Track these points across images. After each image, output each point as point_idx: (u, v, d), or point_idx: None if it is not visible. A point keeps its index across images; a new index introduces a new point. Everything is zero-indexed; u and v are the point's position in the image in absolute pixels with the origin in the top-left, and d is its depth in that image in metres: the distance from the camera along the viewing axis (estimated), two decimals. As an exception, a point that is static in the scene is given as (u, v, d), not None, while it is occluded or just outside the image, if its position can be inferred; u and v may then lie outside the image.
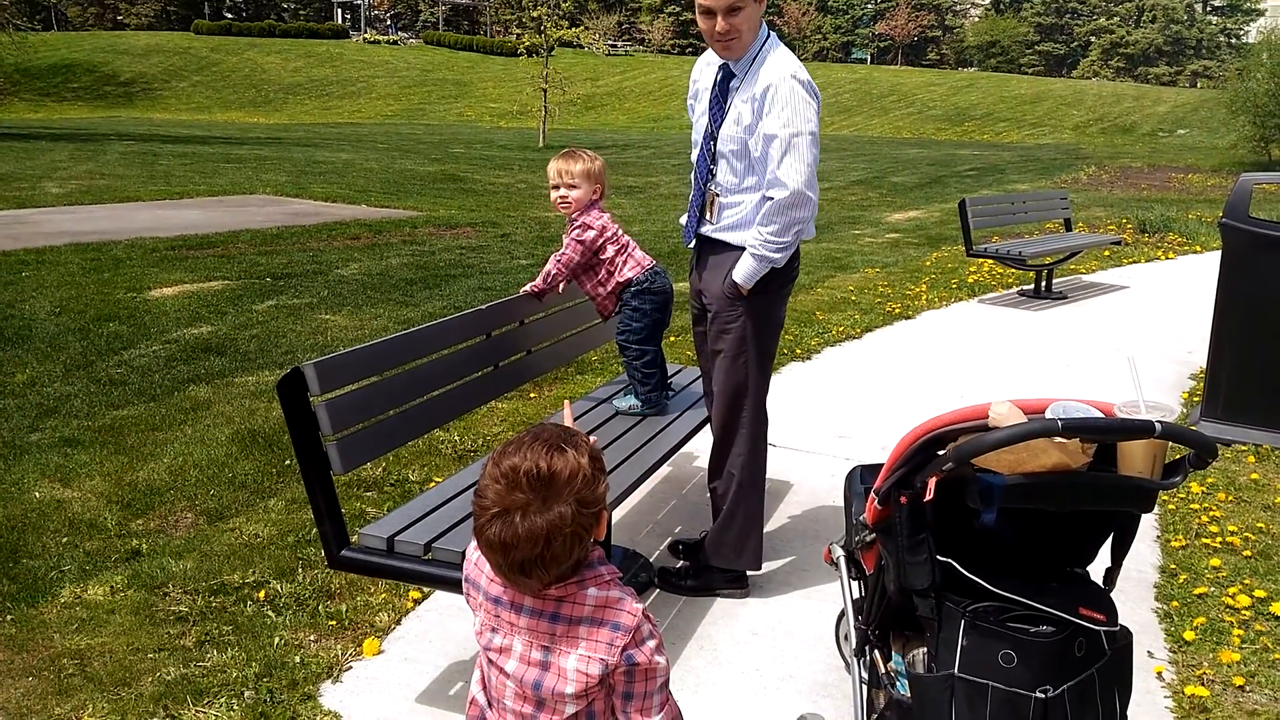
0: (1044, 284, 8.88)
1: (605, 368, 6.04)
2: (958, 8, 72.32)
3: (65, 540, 3.64)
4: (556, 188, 3.56)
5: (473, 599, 1.67)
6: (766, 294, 3.21)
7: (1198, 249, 11.69)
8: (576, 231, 3.56)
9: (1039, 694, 1.95)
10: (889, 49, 68.71)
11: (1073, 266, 10.15)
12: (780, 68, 3.04)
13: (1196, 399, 5.71)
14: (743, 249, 3.15)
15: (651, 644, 1.56)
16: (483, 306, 3.43)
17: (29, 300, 7.31)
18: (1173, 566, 3.69)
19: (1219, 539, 3.91)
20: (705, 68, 3.29)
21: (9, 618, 3.12)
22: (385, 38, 64.08)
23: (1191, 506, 4.23)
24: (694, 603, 3.38)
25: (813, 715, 2.72)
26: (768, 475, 4.51)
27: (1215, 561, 3.72)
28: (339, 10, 74.27)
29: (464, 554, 1.73)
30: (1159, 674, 3.00)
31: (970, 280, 9.36)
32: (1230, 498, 4.34)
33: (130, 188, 14.55)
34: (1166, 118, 40.65)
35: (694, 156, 3.32)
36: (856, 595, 2.56)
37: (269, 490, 4.16)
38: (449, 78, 52.92)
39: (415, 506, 2.89)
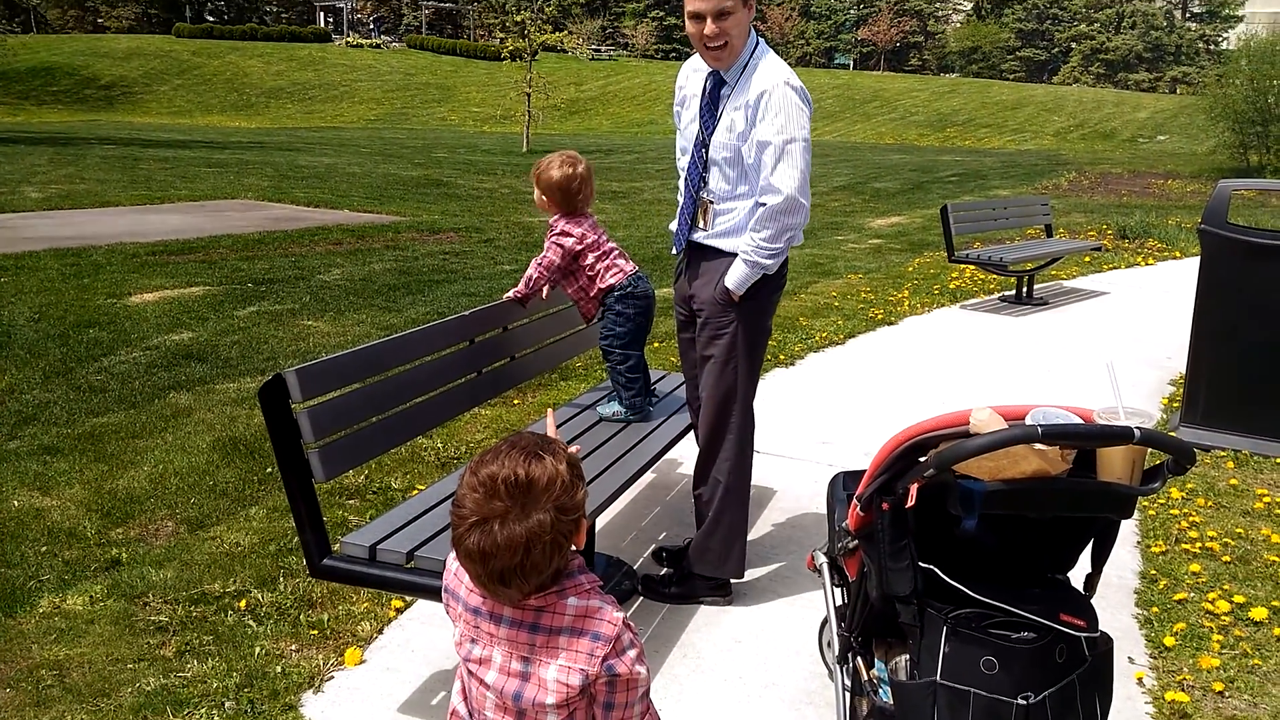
0: (1025, 290, 8.93)
1: (589, 374, 6.04)
2: (939, 13, 72.68)
3: (44, 549, 3.61)
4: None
5: (452, 609, 1.67)
6: (757, 300, 3.22)
7: (1177, 255, 11.79)
8: (556, 237, 3.57)
9: (1020, 700, 1.96)
10: (871, 54, 69.01)
11: (1054, 272, 10.21)
12: (773, 74, 3.05)
13: (1176, 405, 5.76)
14: (735, 255, 3.16)
15: (632, 653, 1.55)
16: (466, 312, 3.42)
17: (7, 306, 7.25)
18: (1153, 572, 3.71)
19: (1198, 544, 3.94)
20: (693, 74, 3.28)
21: (-14, 628, 3.09)
22: (368, 41, 63.87)
23: (1171, 512, 4.26)
24: (677, 610, 3.37)
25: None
26: (752, 480, 4.52)
27: (1195, 567, 3.74)
28: (321, 14, 74.02)
29: (446, 563, 1.73)
30: (1140, 680, 3.02)
31: (952, 286, 9.40)
32: (1209, 503, 4.38)
33: (111, 192, 14.45)
34: (1146, 124, 40.97)
35: (682, 164, 3.32)
36: (839, 602, 2.57)
37: (250, 498, 4.14)
38: (432, 82, 52.80)
39: (397, 514, 2.87)
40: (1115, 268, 10.95)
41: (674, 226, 3.38)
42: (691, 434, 4.14)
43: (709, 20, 2.99)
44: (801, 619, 3.33)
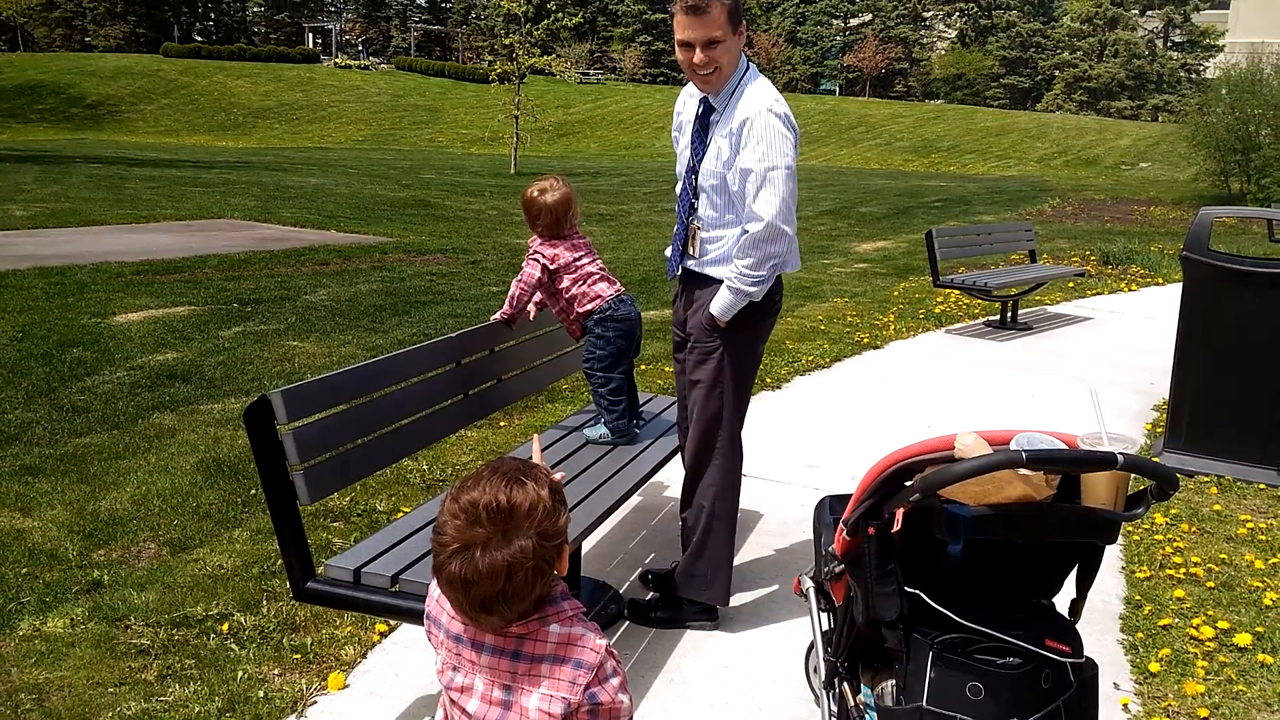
0: (1009, 315, 8.98)
1: (576, 396, 6.03)
2: (924, 41, 73.39)
3: (24, 571, 3.57)
4: None
5: (434, 636, 1.65)
6: (745, 327, 3.22)
7: (1160, 281, 11.88)
8: (531, 255, 3.60)
9: (1006, 727, 1.96)
10: (857, 80, 69.59)
11: (1037, 297, 10.28)
12: (757, 101, 3.05)
13: (1159, 430, 5.79)
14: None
15: (615, 681, 1.54)
16: (453, 334, 3.42)
17: (-10, 325, 7.20)
18: (1137, 598, 3.72)
19: (1183, 570, 3.95)
20: (688, 99, 3.30)
21: (-36, 651, 3.05)
22: (356, 63, 64.04)
23: (1156, 538, 4.28)
24: (663, 635, 3.36)
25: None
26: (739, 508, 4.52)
27: (1179, 593, 3.75)
28: (310, 35, 74.28)
29: (429, 589, 1.72)
30: (1125, 705, 3.02)
31: (937, 310, 9.45)
32: (1194, 529, 4.40)
33: (96, 211, 14.40)
34: (1129, 151, 41.39)
35: (678, 189, 3.35)
36: (826, 627, 2.57)
37: (234, 520, 4.11)
38: (420, 104, 52.94)
39: (382, 537, 2.86)
40: (1099, 293, 11.03)
41: (669, 252, 3.40)
42: (677, 457, 4.14)
43: (698, 49, 3.00)
44: (788, 644, 3.32)
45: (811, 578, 2.61)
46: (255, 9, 77.06)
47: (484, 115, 46.02)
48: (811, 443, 5.49)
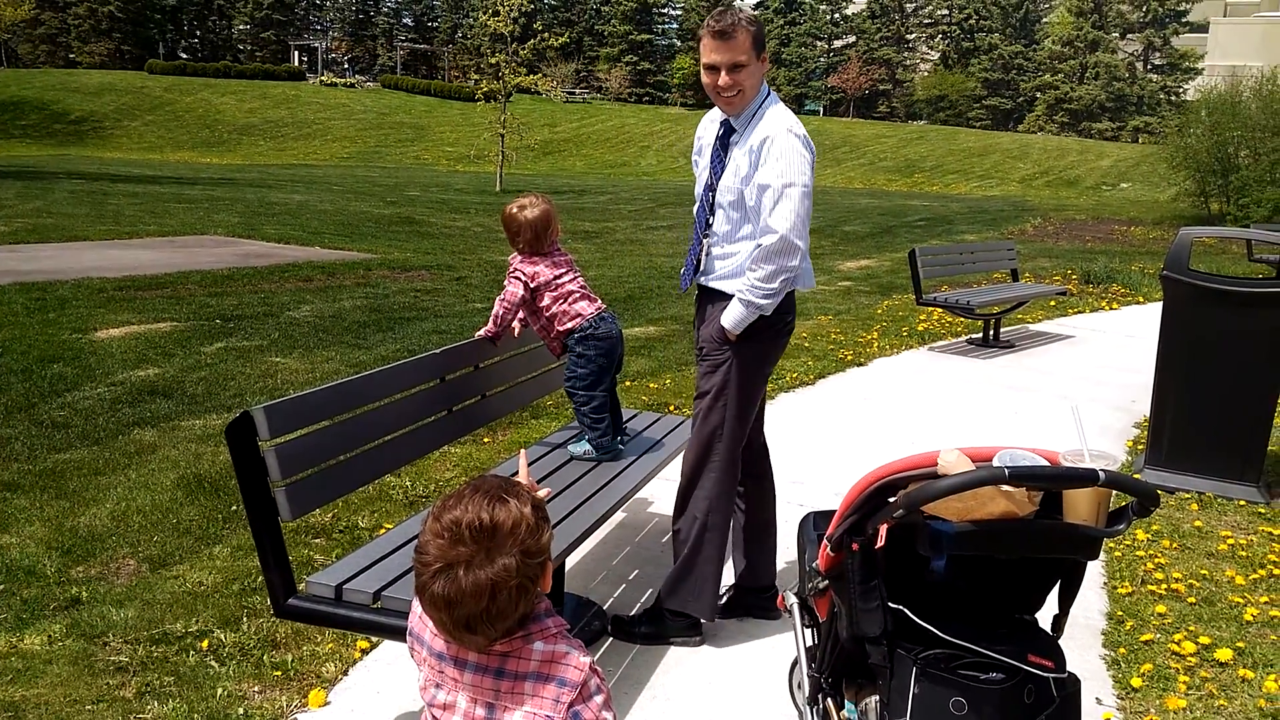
0: (992, 333, 9.03)
1: (560, 412, 6.03)
2: (907, 63, 74.04)
3: (2, 588, 3.53)
4: None
5: (417, 653, 1.64)
6: (754, 343, 3.25)
7: (1140, 300, 11.98)
8: (512, 273, 3.61)
9: (989, 742, 1.96)
10: (841, 101, 70.07)
11: (1020, 316, 10.34)
12: (778, 122, 3.15)
13: (1140, 447, 5.83)
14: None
15: (599, 699, 1.53)
16: (436, 350, 3.42)
17: (-30, 340, 7.15)
18: (1119, 613, 3.74)
19: (1164, 586, 3.97)
20: (709, 124, 3.40)
21: (-61, 669, 3.01)
22: (342, 81, 64.12)
23: (1137, 554, 4.30)
24: (647, 651, 3.35)
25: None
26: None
27: (1161, 608, 3.77)
28: (296, 53, 74.30)
29: (412, 606, 1.71)
30: (1107, 720, 3.03)
31: (920, 328, 9.50)
32: (1175, 545, 4.42)
33: (78, 227, 14.33)
34: (1110, 172, 41.79)
35: (695, 209, 3.40)
36: (810, 643, 2.56)
37: (214, 537, 4.08)
38: (406, 121, 53.00)
39: (364, 554, 2.84)
40: (1080, 312, 11.11)
41: (683, 269, 3.45)
42: (663, 473, 4.14)
43: (723, 72, 3.11)
44: (772, 660, 3.31)
45: (795, 593, 2.61)
46: (241, 27, 77.06)
47: (470, 133, 46.14)
48: (795, 459, 5.49)
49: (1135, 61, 63.99)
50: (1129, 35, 63.96)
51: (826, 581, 2.30)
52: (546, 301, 3.64)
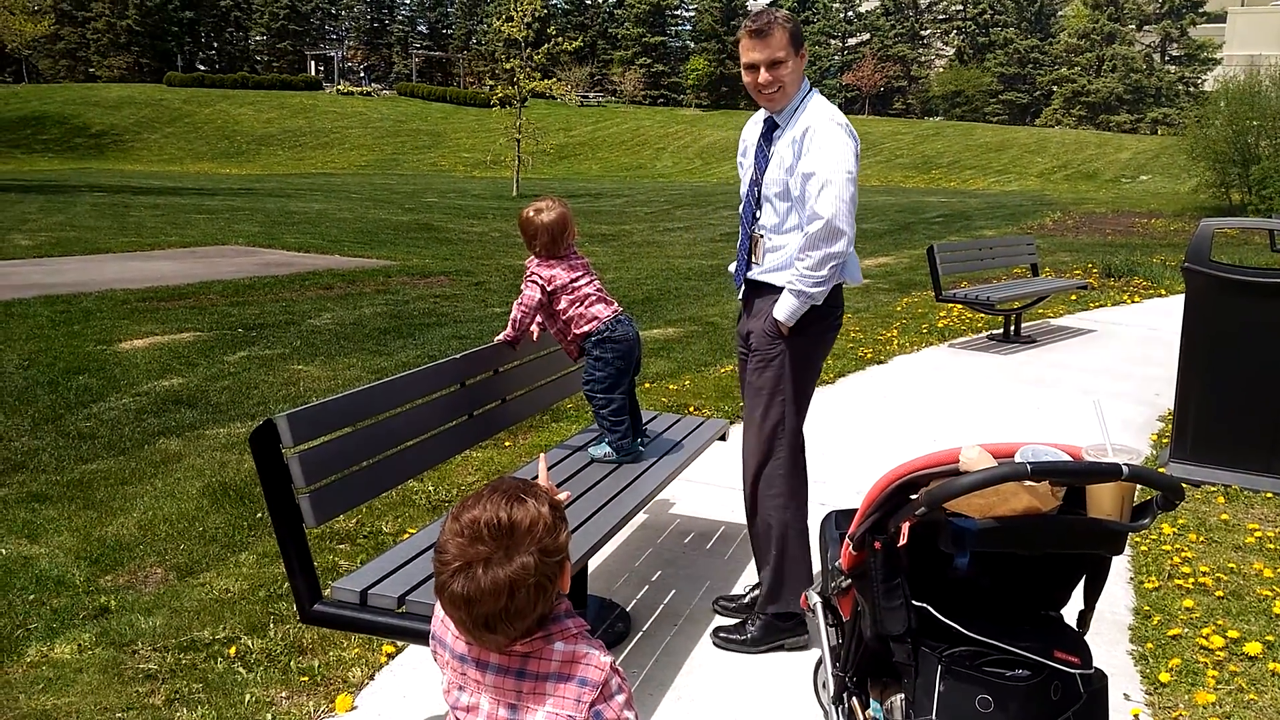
0: (1012, 328, 8.98)
1: (580, 415, 6.04)
2: (922, 59, 73.75)
3: (32, 598, 3.58)
4: None
5: (440, 656, 1.66)
6: (805, 336, 3.27)
7: (1162, 292, 11.89)
8: (529, 276, 3.62)
9: (1016, 739, 1.95)
10: (856, 99, 69.84)
11: (1040, 311, 10.28)
12: (820, 113, 3.19)
13: (1165, 441, 5.78)
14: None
15: (620, 699, 1.54)
16: (457, 355, 3.43)
17: (-4, 353, 7.23)
18: (1146, 608, 3.71)
19: (1191, 580, 3.94)
20: (752, 126, 3.44)
21: (-28, 678, 3.05)
22: (359, 89, 64.48)
23: (1164, 548, 4.27)
24: (670, 653, 3.36)
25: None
26: (743, 520, 4.51)
27: (1188, 602, 3.74)
28: (312, 62, 74.75)
29: (435, 609, 1.72)
30: (1136, 716, 3.01)
31: (940, 325, 9.45)
32: (1201, 539, 4.38)
33: (101, 239, 14.48)
34: (1129, 164, 41.48)
35: (740, 208, 3.42)
36: (833, 642, 2.56)
37: (240, 544, 4.11)
38: (423, 128, 53.24)
39: (388, 559, 2.86)
40: (1101, 305, 11.03)
41: (733, 268, 3.46)
42: (683, 474, 4.15)
43: (763, 69, 3.16)
44: (796, 659, 3.31)
45: (818, 593, 2.61)
46: (258, 38, 77.61)
47: (486, 139, 46.29)
48: (816, 458, 5.47)
49: (1153, 53, 63.48)
50: (1146, 27, 63.46)
51: (849, 580, 2.29)
52: (563, 305, 3.65)
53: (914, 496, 2.03)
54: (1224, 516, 4.65)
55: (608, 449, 3.81)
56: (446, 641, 1.63)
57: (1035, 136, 49.77)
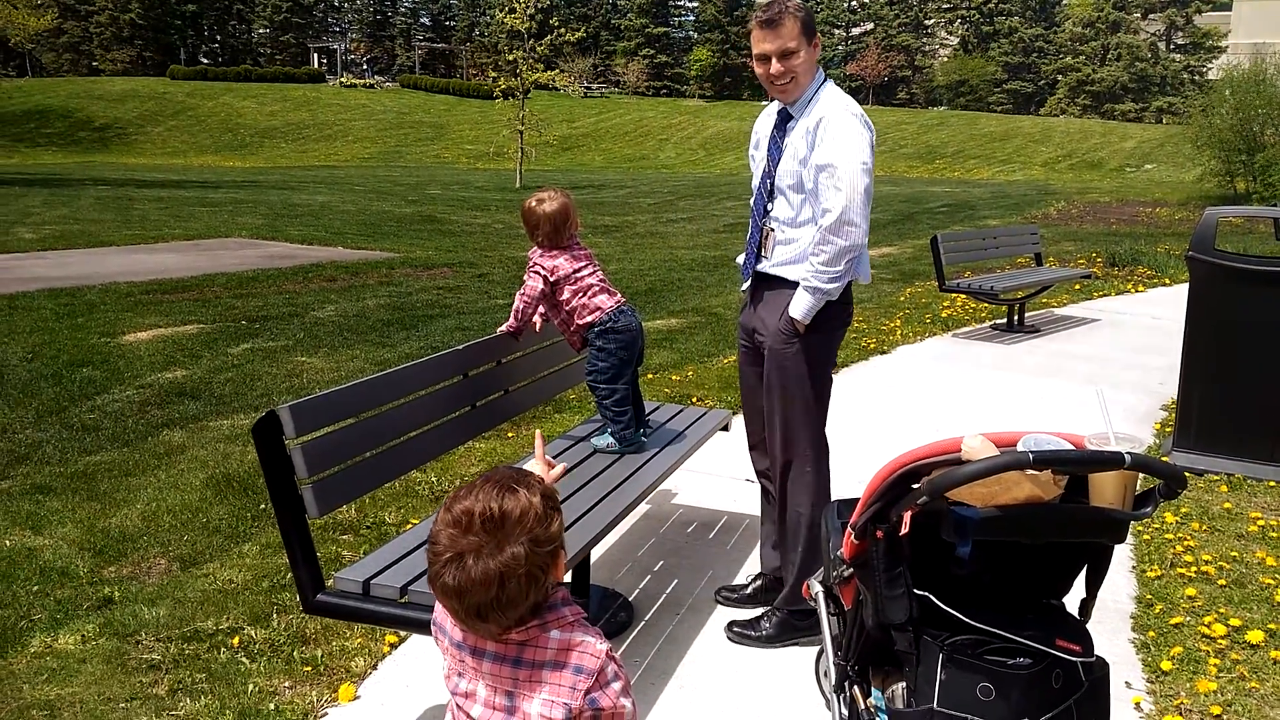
0: (1016, 318, 8.97)
1: (583, 406, 6.04)
2: (926, 48, 73.50)
3: (36, 589, 3.59)
4: None
5: (441, 643, 1.67)
6: (821, 332, 3.23)
7: (1166, 281, 11.86)
8: (532, 267, 3.62)
9: (1017, 726, 1.95)
10: (860, 89, 69.64)
11: (1044, 300, 10.26)
12: (834, 103, 3.13)
13: (1168, 430, 5.77)
14: (798, 285, 3.17)
15: (616, 686, 1.54)
16: (460, 346, 3.43)
17: (1, 346, 7.25)
18: (1148, 597, 3.71)
19: (1194, 568, 3.94)
20: (765, 118, 3.38)
21: (-23, 669, 3.06)
22: (362, 81, 64.40)
23: (1166, 536, 4.26)
24: (673, 642, 3.36)
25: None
26: (746, 510, 4.52)
27: (1190, 591, 3.74)
28: (315, 55, 74.69)
29: None
30: (1137, 704, 3.01)
31: (944, 315, 9.44)
32: (1204, 527, 4.38)
33: (105, 232, 14.49)
34: (1133, 153, 41.35)
35: (752, 200, 3.38)
36: (835, 631, 2.56)
37: (243, 535, 4.12)
38: (425, 120, 53.18)
39: (391, 549, 2.87)
40: (1105, 295, 11.01)
41: (741, 259, 3.42)
42: (685, 464, 4.15)
43: (774, 60, 3.10)
44: (797, 649, 3.31)
45: (820, 582, 2.61)
46: (261, 30, 77.54)
47: (489, 131, 46.23)
48: (820, 449, 5.48)
49: (1158, 41, 63.21)
50: (1150, 15, 63.17)
51: (851, 569, 2.29)
52: (566, 295, 3.64)
53: (916, 485, 2.03)
54: (1226, 505, 4.65)
55: (610, 439, 3.81)
56: (446, 629, 1.64)
57: (1039, 126, 49.63)
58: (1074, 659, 2.02)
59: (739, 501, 4.67)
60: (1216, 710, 2.95)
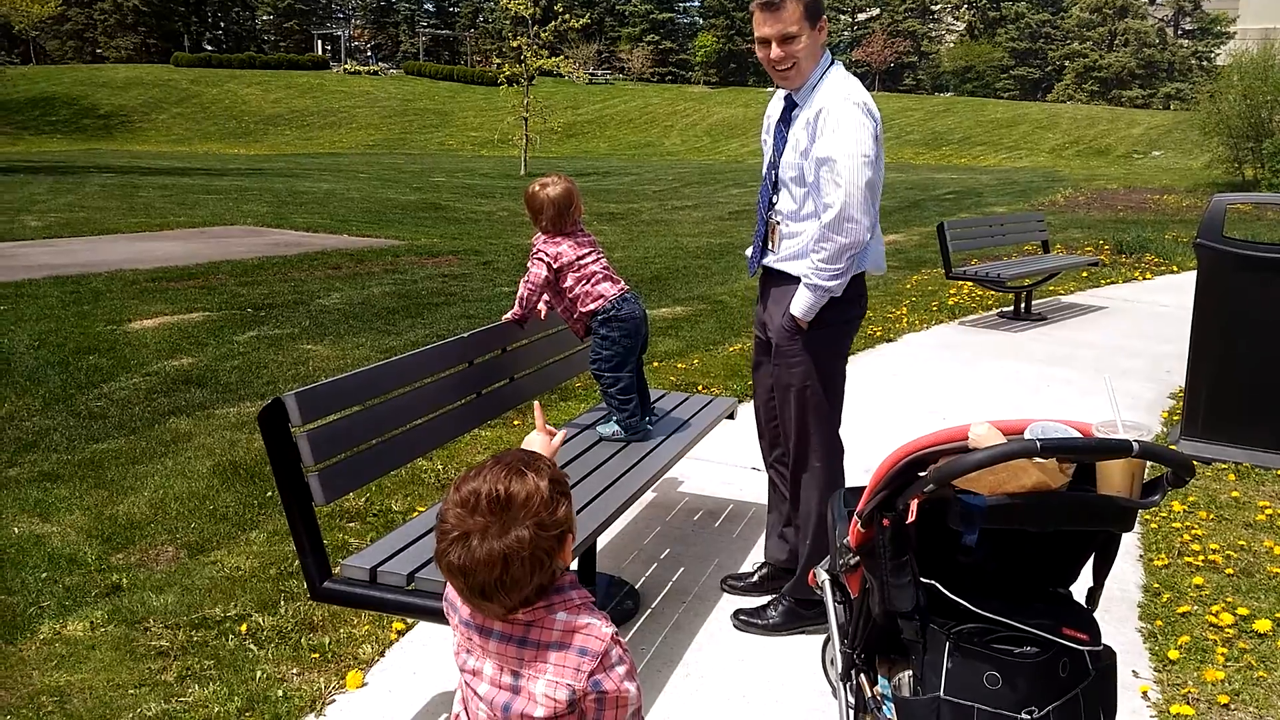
0: (1023, 305, 8.95)
1: (589, 394, 6.04)
2: (933, 34, 73.14)
3: (44, 576, 3.60)
4: None
5: (451, 619, 1.70)
6: (827, 328, 3.17)
7: (1174, 269, 11.82)
8: (535, 254, 3.61)
9: (1025, 715, 1.95)
10: (866, 74, 69.30)
11: (1051, 288, 10.23)
12: (835, 91, 3.03)
13: (1176, 418, 5.76)
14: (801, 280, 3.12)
15: (621, 670, 1.56)
16: (465, 334, 3.43)
17: (7, 334, 7.26)
18: (1156, 585, 3.71)
19: (1201, 557, 3.93)
20: (776, 101, 3.29)
21: (-14, 656, 3.08)
22: (365, 68, 64.25)
23: (1173, 525, 4.26)
24: (679, 629, 3.37)
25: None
26: (752, 499, 4.52)
27: (1198, 580, 3.73)
28: (319, 42, 74.47)
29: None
30: (1144, 693, 3.01)
31: (950, 302, 9.42)
32: (1211, 516, 4.37)
33: (110, 220, 14.50)
34: (1141, 140, 41.16)
35: (760, 189, 3.32)
36: (841, 619, 2.56)
37: (250, 522, 4.13)
38: (430, 107, 53.07)
39: (398, 537, 2.87)
40: (1113, 282, 10.97)
41: (749, 252, 3.38)
42: (692, 453, 4.15)
43: (774, 44, 3.01)
44: (804, 637, 3.32)
45: (826, 570, 2.61)
46: (264, 17, 77.37)
47: (493, 117, 46.14)
48: (825, 437, 5.47)
49: (1165, 27, 62.85)
50: (1158, 1, 62.79)
51: (857, 558, 2.29)
52: (569, 282, 3.64)
53: (923, 474, 2.03)
54: (1234, 494, 4.64)
55: (616, 427, 3.81)
56: (457, 605, 1.67)
57: (1047, 112, 49.41)
58: (1081, 648, 2.01)
59: (745, 490, 4.67)
60: (1224, 699, 2.95)
